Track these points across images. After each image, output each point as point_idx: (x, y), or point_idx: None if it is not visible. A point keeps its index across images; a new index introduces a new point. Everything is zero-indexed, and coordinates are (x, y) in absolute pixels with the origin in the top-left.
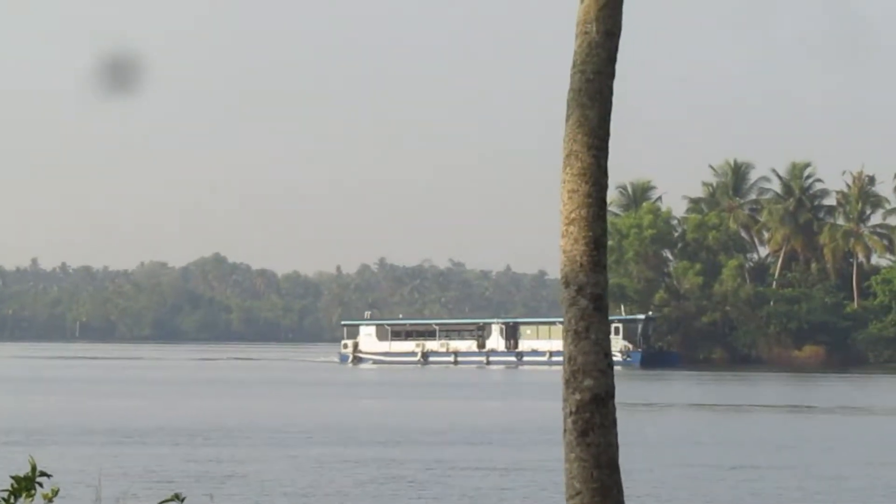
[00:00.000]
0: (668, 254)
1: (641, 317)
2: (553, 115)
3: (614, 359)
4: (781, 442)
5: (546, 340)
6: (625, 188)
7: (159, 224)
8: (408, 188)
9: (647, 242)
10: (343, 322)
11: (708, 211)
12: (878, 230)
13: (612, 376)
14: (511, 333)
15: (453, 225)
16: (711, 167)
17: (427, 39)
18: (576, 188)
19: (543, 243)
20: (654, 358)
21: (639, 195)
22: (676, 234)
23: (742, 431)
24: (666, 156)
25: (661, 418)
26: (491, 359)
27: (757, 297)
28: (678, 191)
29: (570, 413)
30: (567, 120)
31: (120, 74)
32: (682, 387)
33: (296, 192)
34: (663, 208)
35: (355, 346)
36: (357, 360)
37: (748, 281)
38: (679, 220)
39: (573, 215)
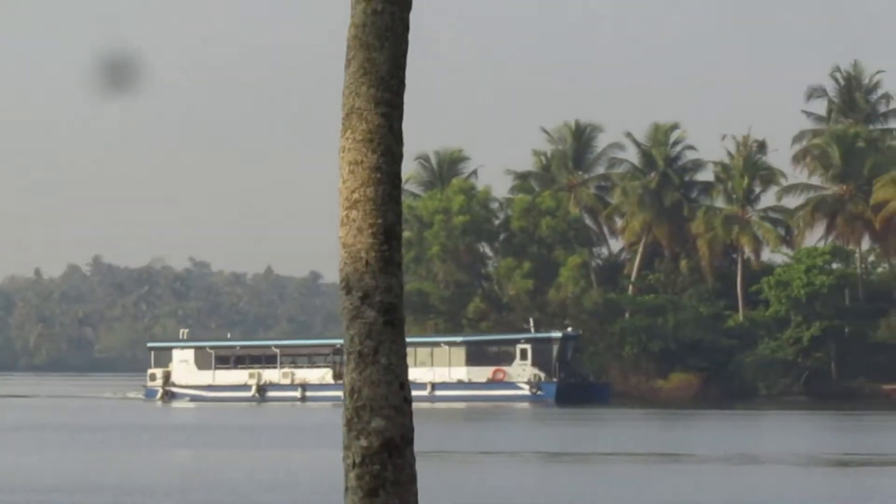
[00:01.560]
0: (486, 249)
1: (557, 335)
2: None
3: (521, 392)
4: (655, 500)
5: (427, 368)
6: (426, 159)
7: None
8: (132, 164)
9: (457, 233)
10: (150, 344)
11: (540, 190)
12: (772, 215)
13: (410, 415)
14: None
15: (192, 213)
16: (545, 131)
17: None
18: (359, 159)
19: (315, 236)
20: (574, 391)
21: (446, 169)
22: (498, 223)
23: (600, 485)
24: (483, 116)
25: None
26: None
27: (607, 306)
28: (500, 163)
29: (354, 465)
30: (347, 67)
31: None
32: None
33: None
34: (479, 187)
35: (166, 376)
36: (169, 395)
37: (595, 285)
38: (501, 203)
39: (356, 196)
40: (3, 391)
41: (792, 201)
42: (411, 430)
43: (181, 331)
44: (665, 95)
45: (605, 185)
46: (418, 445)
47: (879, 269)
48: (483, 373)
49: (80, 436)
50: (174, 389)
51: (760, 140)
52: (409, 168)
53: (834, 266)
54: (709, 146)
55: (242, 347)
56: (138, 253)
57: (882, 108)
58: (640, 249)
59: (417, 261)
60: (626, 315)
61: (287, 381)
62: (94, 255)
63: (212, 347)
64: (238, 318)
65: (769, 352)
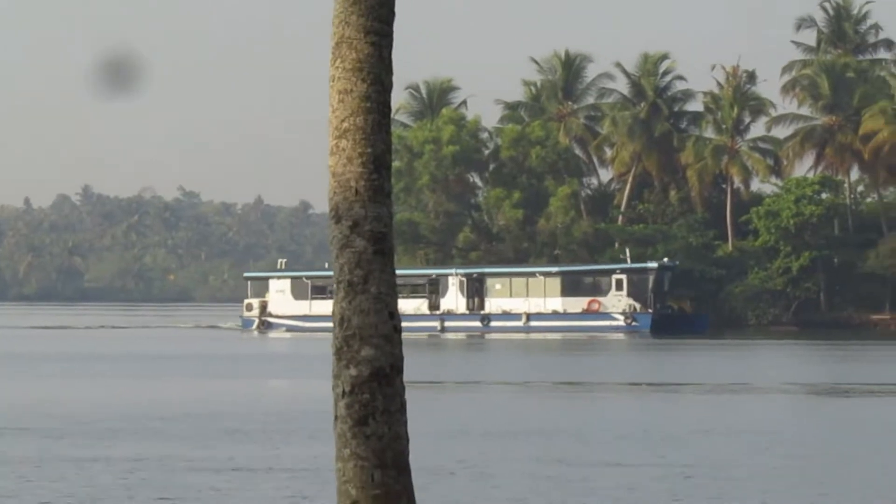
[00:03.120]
0: (475, 178)
1: (653, 265)
2: None
3: (615, 323)
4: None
5: (522, 299)
6: (416, 89)
7: None
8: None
9: (447, 163)
10: (247, 275)
11: (530, 120)
12: (761, 145)
13: (400, 344)
14: (474, 289)
15: (181, 139)
16: (534, 60)
17: None
18: (349, 88)
19: (305, 165)
20: (670, 322)
21: (436, 99)
22: (487, 152)
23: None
24: (473, 45)
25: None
26: (447, 323)
27: (597, 236)
28: (490, 93)
29: (344, 394)
30: None
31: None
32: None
33: None
34: (469, 117)
35: (263, 307)
36: (265, 325)
37: (585, 215)
38: (491, 133)
39: (346, 125)
40: (80, 322)
41: (781, 132)
42: (401, 358)
43: (279, 261)
44: (655, 25)
45: (595, 115)
46: (510, 375)
47: (868, 200)
48: (578, 303)
49: (210, 365)
50: (270, 319)
51: (750, 70)
52: (398, 98)
53: (823, 196)
54: (698, 76)
55: None
56: (128, 183)
57: (871, 39)
58: (630, 180)
59: (407, 191)
60: (616, 245)
61: None
62: (83, 184)
63: (308, 277)
64: (228, 248)
65: (758, 282)
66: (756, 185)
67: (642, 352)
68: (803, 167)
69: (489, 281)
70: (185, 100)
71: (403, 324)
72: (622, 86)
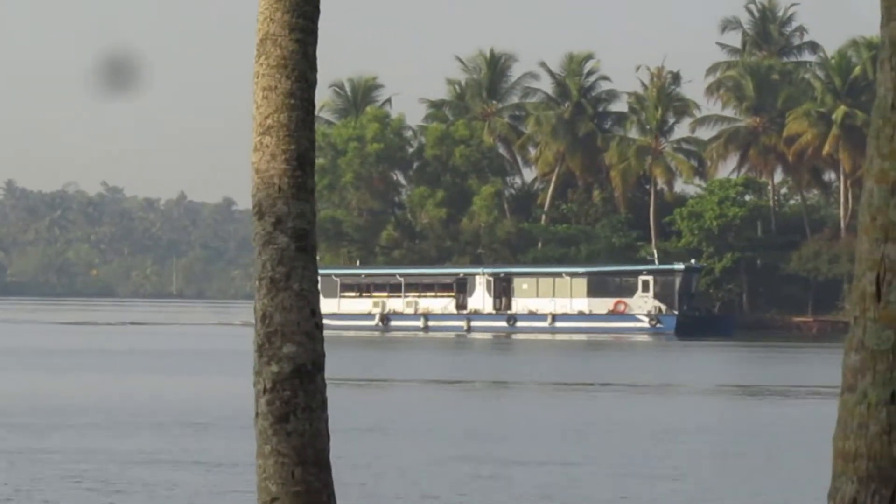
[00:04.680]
0: (399, 177)
1: (680, 266)
2: None
3: (640, 325)
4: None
5: (548, 299)
6: (341, 87)
7: None
8: (46, 86)
9: (371, 161)
10: None
11: (454, 119)
12: (685, 146)
13: (322, 341)
14: (501, 288)
15: (105, 135)
16: (459, 59)
17: None
18: (273, 84)
19: (229, 161)
20: (695, 324)
21: (360, 96)
22: (411, 151)
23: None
24: (398, 43)
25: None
26: (473, 323)
27: (520, 236)
28: (414, 91)
29: (265, 390)
30: None
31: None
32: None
33: None
34: (394, 115)
35: None
36: None
37: (508, 214)
38: (415, 132)
39: (269, 121)
40: (109, 318)
41: (705, 133)
42: (322, 355)
43: None
44: (580, 25)
45: (520, 114)
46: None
47: (791, 202)
48: (604, 304)
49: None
50: None
51: (674, 71)
52: (323, 95)
53: (746, 198)
54: (623, 77)
55: (367, 275)
56: (51, 177)
57: (796, 41)
58: (554, 179)
59: (331, 188)
60: (539, 245)
61: (410, 311)
62: (7, 179)
63: (337, 275)
64: (151, 243)
65: None
66: (680, 187)
67: (641, 352)
68: (727, 169)
69: (516, 281)
70: (109, 94)
71: (431, 323)
72: (547, 85)
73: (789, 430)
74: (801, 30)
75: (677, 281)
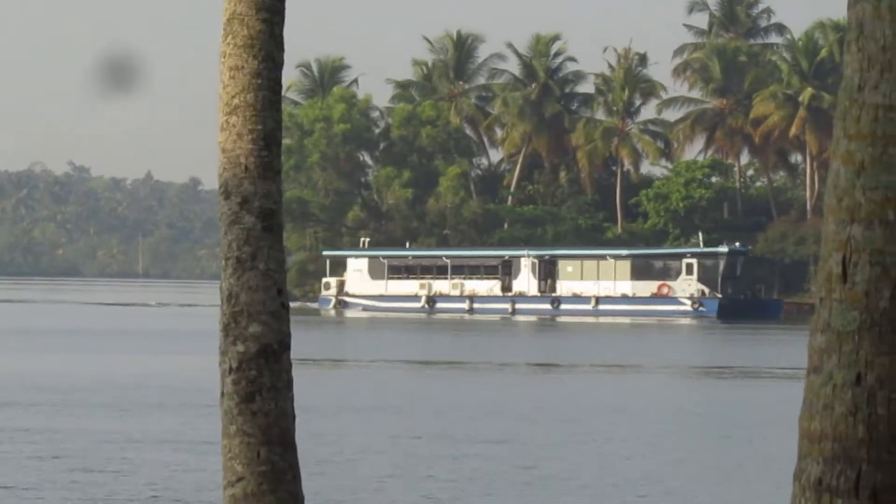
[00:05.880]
0: (366, 157)
1: (724, 249)
2: None
3: (683, 308)
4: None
5: (592, 282)
6: (308, 67)
7: None
8: (12, 65)
9: (337, 141)
10: (325, 252)
11: (421, 100)
12: (651, 127)
13: (288, 321)
14: (546, 271)
15: (71, 116)
16: (426, 40)
17: None
18: (240, 64)
19: (195, 141)
20: (739, 307)
21: (327, 77)
22: (378, 131)
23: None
24: (364, 24)
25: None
26: (518, 305)
27: (486, 217)
28: (381, 72)
29: (231, 370)
30: None
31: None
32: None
33: None
34: (360, 95)
35: (340, 285)
36: (342, 304)
37: (475, 195)
38: (382, 112)
39: (236, 101)
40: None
41: (672, 114)
42: (288, 335)
43: (361, 240)
44: (547, 6)
45: (486, 95)
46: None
47: (758, 184)
48: (648, 287)
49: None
50: (347, 299)
51: (641, 53)
52: (290, 76)
53: (713, 180)
54: (590, 58)
55: (414, 257)
56: (17, 156)
57: (763, 23)
58: (520, 160)
59: (297, 168)
60: (505, 226)
61: (456, 293)
62: None
63: (385, 257)
64: (117, 223)
65: None
66: (646, 168)
67: (676, 335)
68: (693, 150)
69: (561, 263)
70: (76, 72)
71: (476, 305)
72: (513, 66)
73: (751, 412)
74: (768, 12)
75: (721, 264)
